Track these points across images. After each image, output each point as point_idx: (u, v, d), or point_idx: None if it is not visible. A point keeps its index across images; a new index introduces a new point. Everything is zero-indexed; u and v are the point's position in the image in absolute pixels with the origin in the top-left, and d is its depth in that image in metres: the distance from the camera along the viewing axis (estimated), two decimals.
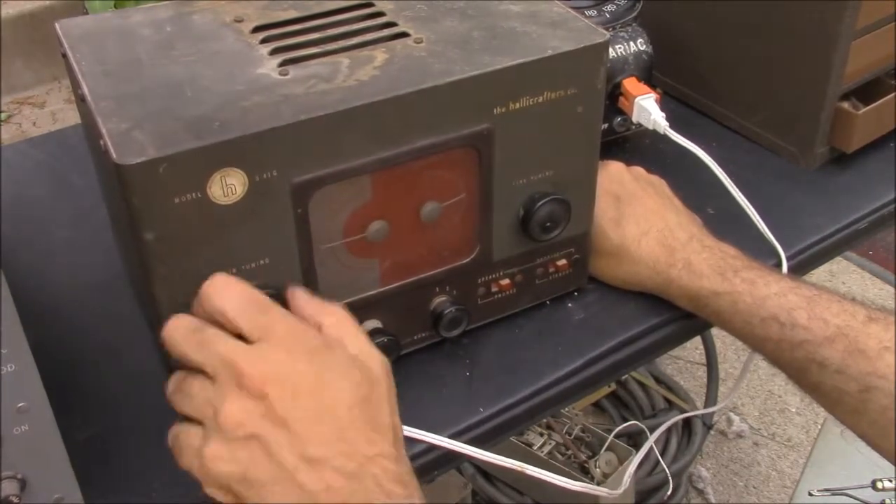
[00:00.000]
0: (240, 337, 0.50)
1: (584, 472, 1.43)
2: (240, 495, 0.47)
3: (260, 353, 0.48)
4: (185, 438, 0.50)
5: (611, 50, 0.80)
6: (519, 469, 0.65)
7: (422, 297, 0.65)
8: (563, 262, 0.70)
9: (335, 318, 0.52)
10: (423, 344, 0.67)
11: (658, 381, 1.60)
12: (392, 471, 0.48)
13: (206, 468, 0.47)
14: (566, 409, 1.51)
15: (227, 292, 0.51)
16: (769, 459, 1.70)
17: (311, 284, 0.58)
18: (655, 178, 0.75)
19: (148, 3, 0.66)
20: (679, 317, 0.72)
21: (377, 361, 0.52)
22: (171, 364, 0.58)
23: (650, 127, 0.79)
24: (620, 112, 0.82)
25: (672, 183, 0.75)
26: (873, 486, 1.20)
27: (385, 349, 0.63)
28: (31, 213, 0.83)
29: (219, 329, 0.50)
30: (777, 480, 1.66)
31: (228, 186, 0.52)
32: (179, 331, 0.51)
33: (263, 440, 0.46)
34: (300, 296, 0.54)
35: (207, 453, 0.47)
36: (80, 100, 0.58)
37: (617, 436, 1.45)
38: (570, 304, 0.72)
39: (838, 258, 2.01)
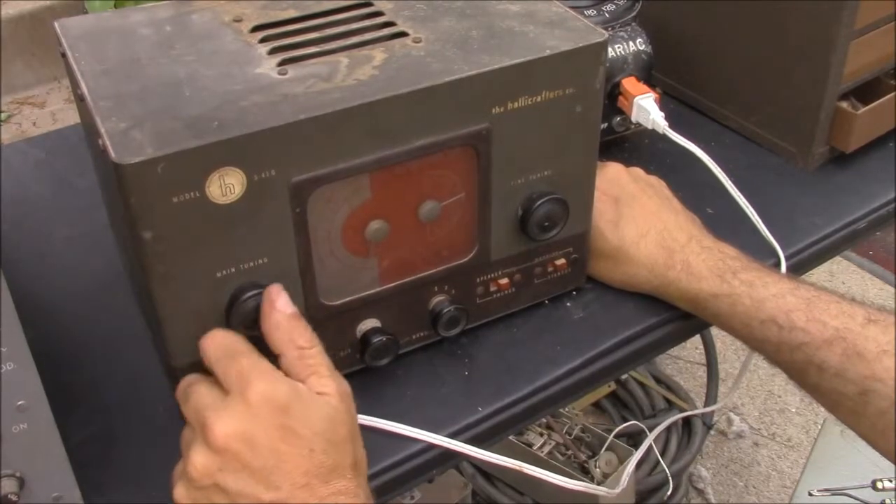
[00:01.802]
0: None
1: (584, 472, 1.43)
2: None
3: (227, 407, 0.51)
4: (175, 469, 0.55)
5: (610, 49, 0.80)
6: (517, 468, 0.65)
7: (420, 297, 0.65)
8: (561, 261, 0.70)
9: (297, 353, 0.55)
10: (422, 343, 0.67)
11: (658, 380, 1.61)
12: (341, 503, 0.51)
13: (175, 501, 0.52)
14: (566, 409, 1.51)
15: (209, 342, 0.55)
16: (769, 459, 1.70)
17: (310, 283, 0.58)
18: (654, 179, 0.75)
19: (147, 3, 0.66)
20: (678, 316, 0.72)
21: (337, 396, 0.54)
22: (170, 365, 0.58)
23: (649, 127, 0.79)
24: (619, 112, 0.82)
25: (671, 183, 0.75)
26: (873, 486, 1.20)
27: (384, 348, 0.63)
28: (31, 212, 0.83)
29: (210, 382, 0.54)
30: (777, 480, 1.66)
31: (227, 186, 0.52)
32: (181, 386, 0.56)
33: (223, 488, 0.50)
34: (278, 311, 0.55)
35: (177, 493, 0.52)
36: (80, 99, 0.58)
37: (617, 436, 1.45)
38: (568, 304, 0.72)
39: (838, 258, 2.01)
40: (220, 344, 0.54)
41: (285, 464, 0.50)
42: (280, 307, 0.55)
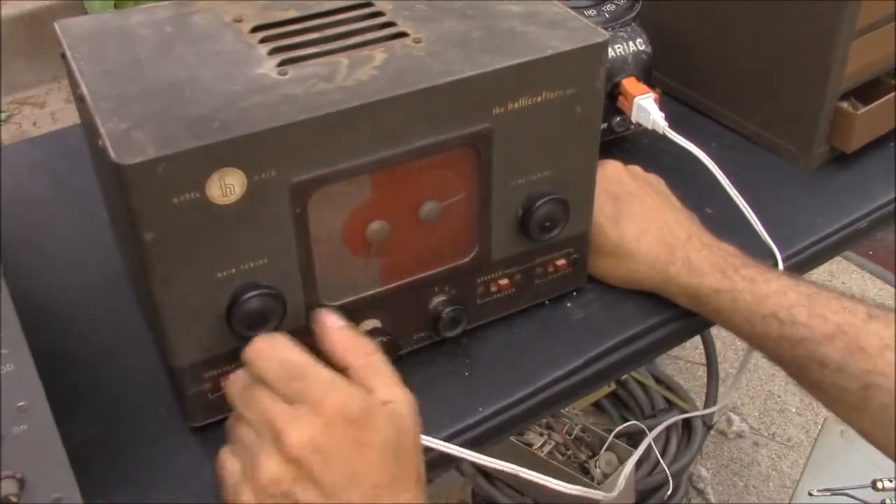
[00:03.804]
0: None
1: (585, 472, 1.43)
2: None
3: (298, 417, 0.50)
4: (226, 470, 0.53)
5: (610, 50, 0.80)
6: (512, 472, 0.65)
7: (421, 297, 0.65)
8: (562, 261, 0.70)
9: (364, 361, 0.54)
10: (423, 344, 0.67)
11: (658, 381, 1.60)
12: None
13: None
14: (566, 409, 1.51)
15: (264, 360, 0.53)
16: (769, 459, 1.70)
17: (310, 284, 0.58)
18: (653, 177, 0.75)
19: (147, 3, 0.66)
20: (678, 316, 0.72)
21: (406, 405, 0.53)
22: (171, 365, 0.58)
23: (649, 127, 0.79)
24: (619, 112, 0.82)
25: (671, 183, 0.76)
26: (873, 486, 1.20)
27: (384, 349, 0.63)
28: (31, 213, 0.83)
29: (272, 390, 0.52)
30: (777, 480, 1.66)
31: (227, 186, 0.52)
32: (235, 385, 0.54)
33: (294, 499, 0.49)
34: (331, 328, 0.56)
35: (242, 498, 0.50)
36: (80, 100, 0.58)
37: (617, 436, 1.45)
38: (569, 304, 0.72)
39: (838, 258, 2.01)
40: (276, 360, 0.53)
41: (357, 477, 0.50)
42: (332, 324, 0.56)
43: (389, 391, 0.53)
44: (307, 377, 0.51)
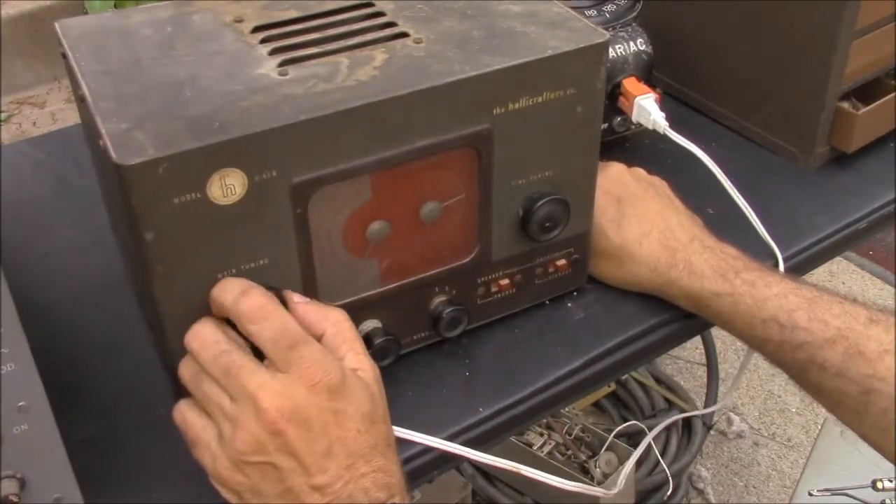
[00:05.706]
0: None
1: (585, 473, 1.43)
2: (246, 500, 0.52)
3: (282, 387, 0.51)
4: (197, 431, 0.54)
5: (610, 50, 0.80)
6: (514, 470, 0.65)
7: (421, 297, 0.65)
8: (562, 262, 0.70)
9: (335, 328, 0.56)
10: (423, 344, 0.67)
11: (658, 381, 1.61)
12: (380, 481, 0.52)
13: (218, 473, 0.52)
14: (566, 409, 1.51)
15: (264, 320, 0.53)
16: (769, 459, 1.70)
17: (311, 284, 0.58)
18: (656, 179, 0.75)
19: (148, 3, 0.66)
20: (679, 317, 0.72)
21: (372, 374, 0.55)
22: (171, 366, 0.58)
23: (650, 127, 0.79)
24: (620, 112, 0.82)
25: (671, 183, 0.75)
26: (873, 486, 1.20)
27: (385, 349, 0.63)
28: (31, 213, 0.83)
29: (240, 345, 0.53)
30: (777, 480, 1.66)
31: (228, 187, 0.52)
32: (206, 350, 0.53)
33: (276, 466, 0.51)
34: (299, 303, 0.57)
35: (221, 464, 0.52)
36: (80, 100, 0.58)
37: (617, 436, 1.45)
38: (569, 304, 0.72)
39: (838, 258, 2.01)
40: (278, 323, 0.53)
41: (334, 446, 0.51)
42: (298, 299, 0.57)
43: (357, 359, 0.55)
44: (301, 348, 0.52)
